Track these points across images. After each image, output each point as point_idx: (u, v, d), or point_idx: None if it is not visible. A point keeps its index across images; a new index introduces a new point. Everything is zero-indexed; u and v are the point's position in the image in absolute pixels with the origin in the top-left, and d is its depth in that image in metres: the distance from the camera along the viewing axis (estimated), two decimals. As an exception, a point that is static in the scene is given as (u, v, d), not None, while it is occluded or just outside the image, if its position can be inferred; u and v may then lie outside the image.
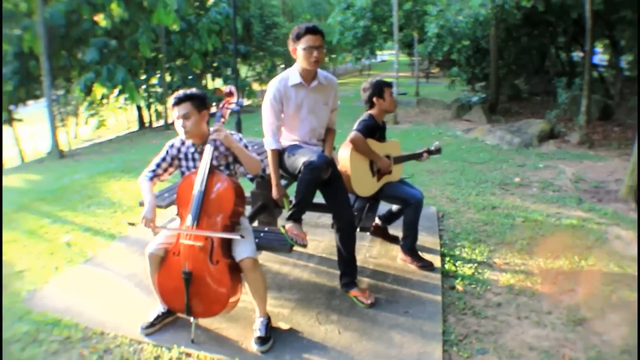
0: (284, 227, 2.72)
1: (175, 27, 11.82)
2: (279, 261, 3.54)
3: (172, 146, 2.72)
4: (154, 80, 15.21)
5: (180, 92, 2.54)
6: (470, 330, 2.63)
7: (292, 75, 2.82)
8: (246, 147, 2.65)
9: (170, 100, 2.54)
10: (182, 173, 2.73)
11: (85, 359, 2.50)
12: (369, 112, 3.38)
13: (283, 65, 21.98)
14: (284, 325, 2.70)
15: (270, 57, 21.21)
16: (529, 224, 4.21)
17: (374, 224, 3.83)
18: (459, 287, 3.11)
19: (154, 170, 2.73)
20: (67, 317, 2.88)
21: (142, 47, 11.95)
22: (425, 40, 10.86)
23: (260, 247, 2.81)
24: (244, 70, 22.41)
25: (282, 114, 2.88)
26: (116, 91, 12.41)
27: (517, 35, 11.69)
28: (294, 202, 2.73)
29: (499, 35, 10.81)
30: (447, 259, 3.54)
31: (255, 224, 3.73)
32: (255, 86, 24.72)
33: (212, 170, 2.54)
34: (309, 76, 2.82)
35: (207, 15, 15.34)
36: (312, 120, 2.91)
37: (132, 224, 2.54)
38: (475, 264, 3.44)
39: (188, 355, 2.48)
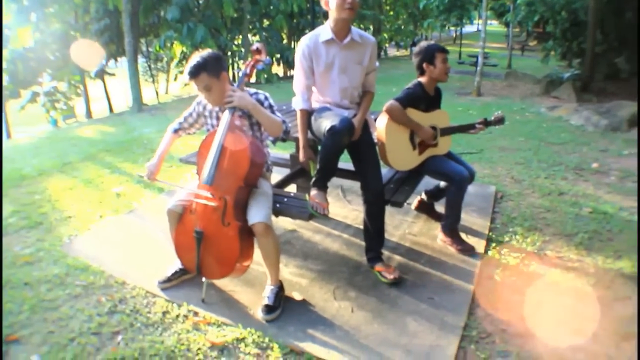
0: (308, 194, 2.58)
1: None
2: (312, 229, 3.41)
3: (199, 102, 2.65)
4: (238, 41, 15.39)
5: (193, 64, 2.35)
6: (497, 329, 2.33)
7: (323, 31, 2.61)
8: (271, 107, 2.50)
9: (185, 73, 2.41)
10: (207, 130, 2.65)
11: (101, 305, 2.56)
12: (418, 79, 3.08)
13: (371, 28, 21.38)
14: (297, 296, 2.58)
15: (359, 20, 20.75)
16: (596, 216, 3.70)
17: (419, 199, 3.58)
18: (498, 278, 2.79)
19: (180, 123, 2.72)
20: (95, 264, 2.98)
21: (226, 6, 12.02)
22: (516, 8, 9.88)
23: (279, 213, 2.69)
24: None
25: (312, 73, 2.68)
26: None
27: (621, 8, 10.30)
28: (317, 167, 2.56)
29: (599, 7, 9.58)
30: (493, 245, 3.20)
31: (294, 188, 3.62)
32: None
33: (232, 130, 2.42)
34: (342, 31, 2.58)
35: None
36: (344, 80, 2.68)
37: (140, 176, 2.52)
38: (523, 254, 3.07)
39: (196, 314, 2.46)
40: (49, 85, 13.07)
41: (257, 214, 2.36)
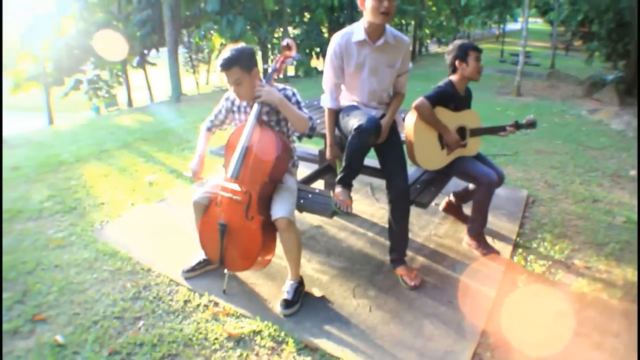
0: (333, 191, 2.58)
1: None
2: (338, 225, 3.42)
3: (227, 99, 2.68)
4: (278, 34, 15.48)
5: (226, 56, 2.37)
6: (516, 338, 2.27)
7: (356, 30, 2.55)
8: (298, 103, 2.52)
9: (217, 65, 2.43)
10: (236, 125, 2.68)
11: (126, 290, 2.65)
12: (450, 77, 3.03)
13: (412, 24, 21.11)
14: (317, 292, 2.60)
15: (399, 15, 20.51)
16: (630, 226, 3.55)
17: (447, 200, 3.53)
18: (521, 285, 2.73)
19: (212, 121, 2.76)
20: (124, 250, 3.08)
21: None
22: (560, 7, 9.54)
23: (303, 209, 2.70)
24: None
25: (342, 72, 2.66)
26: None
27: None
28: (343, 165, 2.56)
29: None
30: (520, 250, 3.13)
31: (321, 184, 3.64)
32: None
33: (260, 125, 2.45)
34: (375, 33, 2.52)
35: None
36: (373, 82, 2.64)
37: (187, 174, 2.58)
38: (550, 262, 2.99)
39: (216, 304, 2.52)
40: (92, 73, 13.49)
41: (280, 209, 2.39)
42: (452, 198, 3.48)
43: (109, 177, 4.55)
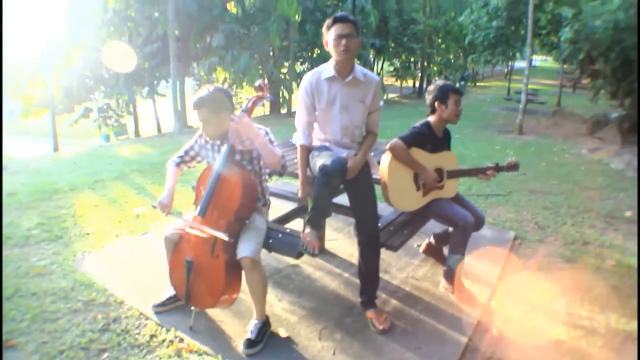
0: (303, 231, 2.58)
1: (297, 17, 12.07)
2: (315, 265, 3.39)
3: (200, 136, 2.72)
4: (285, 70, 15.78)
5: (198, 96, 2.49)
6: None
7: (326, 68, 2.62)
8: (271, 142, 2.55)
9: (191, 104, 2.54)
10: (208, 163, 2.71)
11: (96, 321, 2.66)
12: (427, 118, 3.04)
13: (419, 62, 21.44)
14: (282, 333, 2.56)
15: (407, 53, 20.85)
16: (619, 270, 3.47)
17: (427, 242, 3.49)
18: (495, 332, 2.66)
19: (181, 157, 2.78)
20: (100, 281, 3.09)
21: (273, 35, 12.41)
22: (560, 46, 9.61)
23: (271, 249, 2.69)
24: (379, 65, 22.37)
25: (314, 109, 2.69)
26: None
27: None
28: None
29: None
30: (499, 295, 3.06)
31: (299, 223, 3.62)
32: (391, 81, 24.51)
33: (229, 164, 2.49)
34: (343, 70, 2.58)
35: (342, 7, 15.50)
36: (345, 118, 2.66)
37: (154, 207, 2.60)
38: (530, 307, 2.92)
39: (181, 340, 2.50)
40: (102, 102, 13.80)
41: (245, 248, 2.38)
42: (432, 240, 3.43)
43: (99, 208, 4.59)
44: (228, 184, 2.43)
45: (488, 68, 30.61)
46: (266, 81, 2.91)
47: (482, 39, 12.63)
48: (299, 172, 2.73)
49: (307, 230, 2.54)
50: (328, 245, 3.59)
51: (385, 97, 20.12)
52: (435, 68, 21.89)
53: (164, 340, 2.49)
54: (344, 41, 2.45)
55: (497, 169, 3.11)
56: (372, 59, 17.52)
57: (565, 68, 15.96)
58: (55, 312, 2.74)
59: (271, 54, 13.61)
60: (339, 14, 2.56)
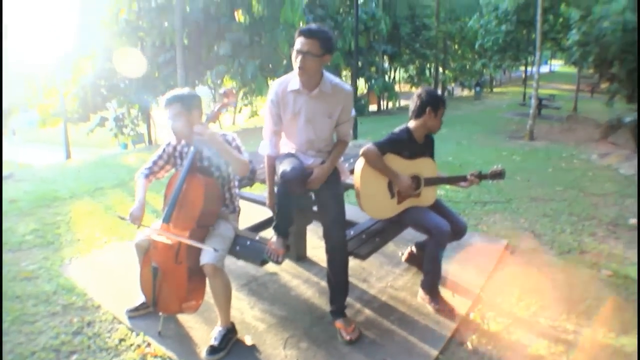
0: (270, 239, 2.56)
1: (302, 24, 12.09)
2: (293, 273, 3.37)
3: (169, 144, 2.73)
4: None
5: (171, 93, 2.52)
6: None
7: (293, 79, 2.53)
8: (239, 148, 2.55)
9: (162, 101, 2.55)
10: (177, 170, 2.72)
11: (71, 325, 2.72)
12: (408, 124, 2.96)
13: (434, 67, 21.29)
14: (248, 341, 2.54)
15: (420, 59, 20.71)
16: (615, 281, 3.32)
17: (409, 250, 3.42)
18: (469, 346, 2.57)
19: (150, 168, 2.76)
20: (81, 285, 3.16)
21: (281, 43, 12.47)
22: (570, 49, 9.40)
23: (238, 256, 2.68)
24: (393, 72, 22.30)
25: (280, 119, 2.64)
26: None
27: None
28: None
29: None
30: (480, 306, 2.96)
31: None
32: (406, 88, 24.41)
33: (193, 171, 2.50)
34: (308, 82, 2.48)
35: (352, 13, 15.49)
36: (310, 131, 2.58)
37: (122, 218, 2.62)
38: (511, 320, 2.81)
39: (148, 345, 2.53)
40: (118, 111, 14.08)
41: (207, 255, 2.38)
42: (413, 249, 3.36)
43: (94, 215, 4.66)
44: (191, 191, 2.45)
45: (505, 73, 30.19)
46: (228, 90, 2.90)
47: (491, 43, 12.42)
48: (267, 181, 2.71)
49: (273, 238, 2.52)
50: (310, 253, 3.55)
51: (399, 105, 19.90)
52: (450, 74, 21.66)
53: (132, 345, 2.54)
54: (300, 57, 2.37)
55: (480, 177, 2.99)
56: (385, 66, 17.40)
57: (583, 72, 15.63)
58: (35, 314, 2.82)
59: (280, 62, 13.64)
60: (305, 26, 2.44)
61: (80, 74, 12.75)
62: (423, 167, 2.95)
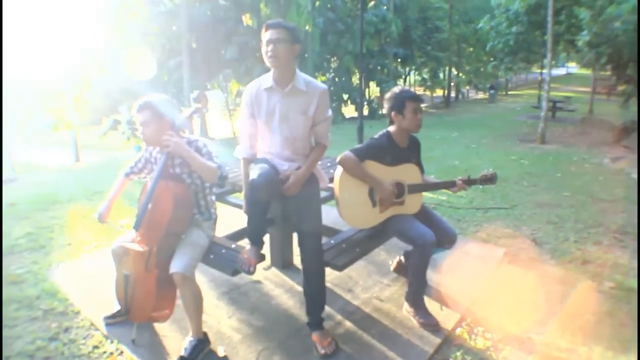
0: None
1: (307, 27, 12.00)
2: (277, 281, 3.28)
3: (147, 149, 2.72)
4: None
5: (143, 99, 2.48)
6: None
7: (266, 78, 2.50)
8: (209, 154, 2.49)
9: (134, 106, 2.52)
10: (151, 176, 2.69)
11: (48, 330, 2.71)
12: (388, 128, 2.86)
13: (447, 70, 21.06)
14: (220, 352, 2.47)
15: (433, 62, 20.50)
16: (617, 293, 3.14)
17: (398, 259, 3.31)
18: (451, 363, 2.45)
19: (132, 167, 2.80)
20: (64, 291, 3.13)
21: (290, 45, 12.38)
22: (581, 51, 9.15)
23: (211, 265, 2.61)
24: (405, 75, 22.14)
25: (255, 121, 2.58)
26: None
27: None
28: None
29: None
30: (468, 320, 2.81)
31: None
32: (421, 91, 24.28)
33: (163, 178, 2.46)
34: (282, 79, 2.44)
35: (363, 17, 15.43)
36: (285, 129, 2.52)
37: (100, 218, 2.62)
38: (501, 336, 2.65)
39: (121, 353, 2.50)
40: (130, 114, 14.21)
41: (177, 263, 2.33)
42: (402, 258, 3.25)
43: (87, 219, 4.64)
44: (161, 197, 2.40)
45: (519, 76, 29.66)
46: (200, 94, 2.88)
47: (502, 45, 12.18)
48: (243, 186, 2.65)
49: (247, 247, 2.45)
50: (297, 260, 3.47)
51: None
52: (464, 77, 21.38)
53: (105, 352, 2.51)
54: (271, 46, 2.34)
55: (469, 182, 2.87)
56: (397, 69, 17.18)
57: (600, 74, 15.23)
58: (15, 319, 2.81)
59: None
60: (271, 20, 2.44)
61: (91, 78, 12.92)
62: (406, 173, 2.82)
